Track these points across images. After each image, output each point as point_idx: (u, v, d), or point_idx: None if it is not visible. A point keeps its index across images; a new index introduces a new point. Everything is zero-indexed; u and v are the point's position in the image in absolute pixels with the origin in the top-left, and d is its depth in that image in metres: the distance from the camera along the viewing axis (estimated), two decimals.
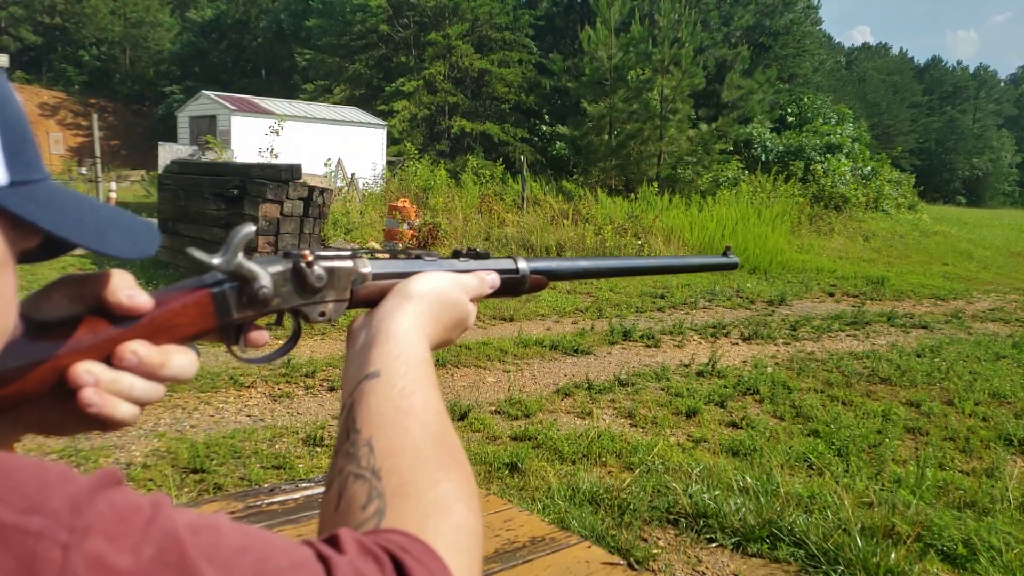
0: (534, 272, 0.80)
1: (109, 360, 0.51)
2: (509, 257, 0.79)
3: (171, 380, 0.54)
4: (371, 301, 0.68)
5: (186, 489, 3.23)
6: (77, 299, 0.51)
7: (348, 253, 0.66)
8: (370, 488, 0.52)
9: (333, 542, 0.45)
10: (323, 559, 0.43)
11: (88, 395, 0.49)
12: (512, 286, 0.78)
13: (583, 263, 0.87)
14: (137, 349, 0.51)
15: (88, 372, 0.49)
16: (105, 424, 0.51)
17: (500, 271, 0.77)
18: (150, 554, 0.37)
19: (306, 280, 0.62)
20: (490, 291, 0.75)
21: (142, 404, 0.52)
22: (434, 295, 0.68)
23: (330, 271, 0.64)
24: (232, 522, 0.43)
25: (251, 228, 0.58)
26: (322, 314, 0.64)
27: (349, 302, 0.66)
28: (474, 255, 0.76)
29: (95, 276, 0.52)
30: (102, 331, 0.51)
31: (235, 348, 0.61)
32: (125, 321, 0.51)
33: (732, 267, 1.03)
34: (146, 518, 0.38)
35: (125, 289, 0.52)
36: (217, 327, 0.58)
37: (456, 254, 0.75)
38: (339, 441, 0.57)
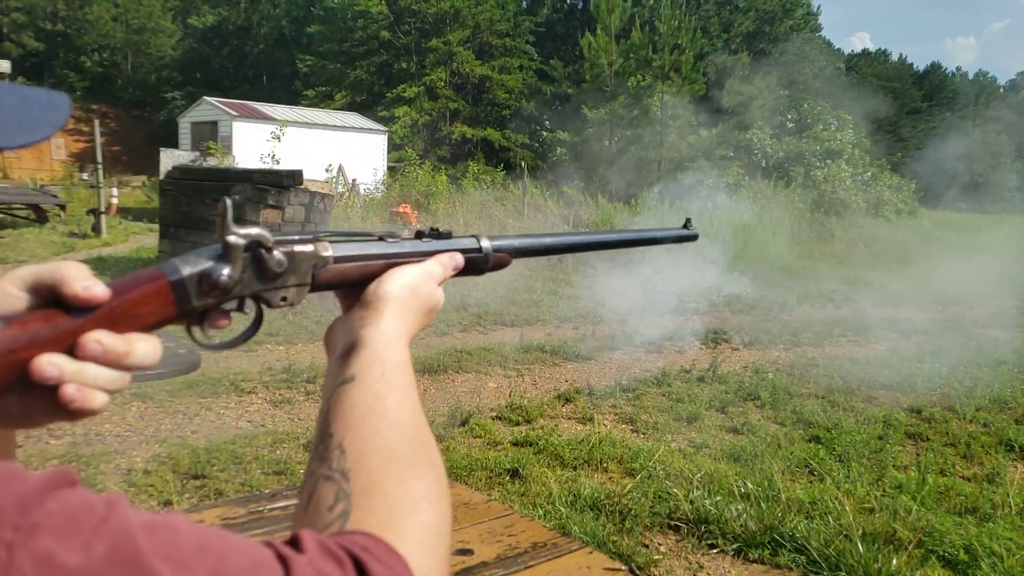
0: (497, 250, 0.80)
1: (70, 352, 0.50)
2: (472, 236, 0.79)
3: (136, 368, 0.53)
4: (333, 284, 0.68)
5: (187, 495, 3.23)
6: (31, 292, 0.51)
7: (309, 237, 0.66)
8: (338, 489, 0.52)
9: (294, 543, 0.46)
10: (282, 559, 0.43)
11: (70, 391, 0.49)
12: (476, 265, 0.78)
13: (546, 239, 0.86)
14: (101, 338, 0.50)
15: (52, 364, 0.48)
16: (77, 415, 0.51)
17: (464, 251, 0.77)
18: (102, 552, 0.37)
19: (266, 265, 0.61)
20: (454, 272, 0.75)
21: (109, 393, 0.52)
22: (407, 294, 0.68)
23: (290, 255, 0.63)
24: (190, 522, 0.43)
25: (228, 200, 0.59)
26: (284, 299, 0.64)
27: (311, 286, 0.66)
28: (437, 235, 0.75)
29: (48, 268, 0.51)
30: (60, 323, 0.50)
31: (197, 335, 0.61)
32: (83, 312, 0.51)
33: (693, 239, 1.01)
34: (99, 517, 0.38)
35: (80, 280, 0.50)
36: (178, 315, 0.57)
37: (419, 235, 0.75)
38: (313, 446, 0.58)
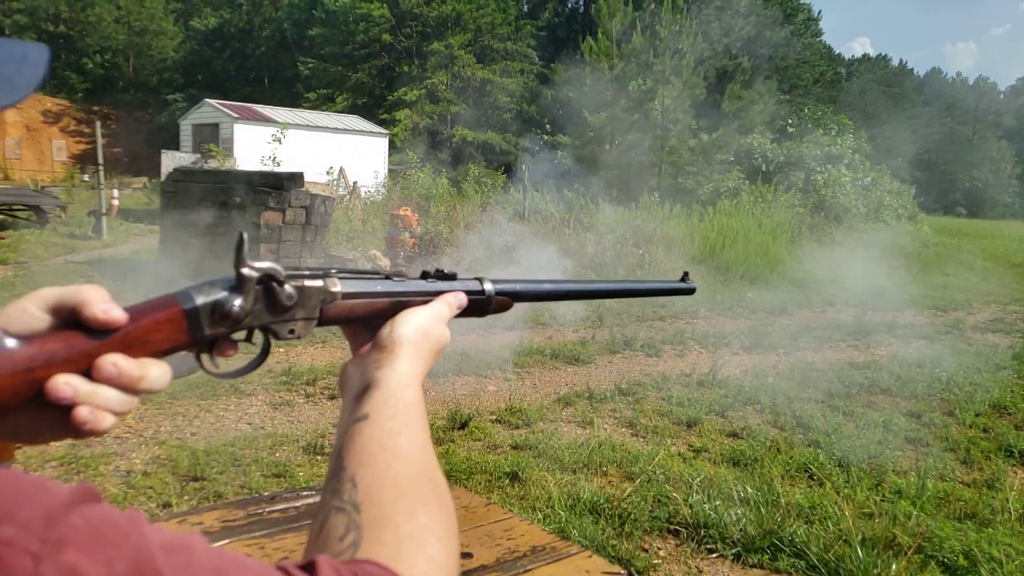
0: (499, 294, 0.82)
1: (85, 373, 0.51)
2: (476, 278, 0.81)
3: (146, 392, 0.55)
4: (340, 319, 0.70)
5: (186, 497, 3.23)
6: (52, 313, 0.52)
7: (319, 272, 0.68)
8: (349, 520, 0.54)
9: (309, 568, 0.47)
10: None
11: (83, 413, 0.50)
12: (478, 307, 0.80)
13: (547, 286, 0.89)
14: (117, 361, 0.52)
15: (67, 384, 0.50)
16: (85, 435, 0.52)
17: (467, 292, 0.79)
18: (123, 568, 0.38)
19: (277, 299, 0.63)
20: (458, 311, 0.77)
21: (118, 415, 0.53)
22: (420, 336, 0.71)
23: (300, 290, 0.65)
24: (207, 544, 0.44)
25: (245, 234, 0.61)
26: (291, 331, 0.65)
27: (318, 320, 0.67)
28: (441, 276, 0.78)
29: (69, 290, 0.53)
30: (78, 344, 0.51)
31: (206, 362, 0.62)
32: (100, 335, 0.52)
33: (690, 292, 1.02)
34: (121, 533, 0.39)
35: (100, 303, 0.52)
36: (189, 343, 0.59)
37: (424, 275, 0.77)
38: (327, 479, 0.59)
